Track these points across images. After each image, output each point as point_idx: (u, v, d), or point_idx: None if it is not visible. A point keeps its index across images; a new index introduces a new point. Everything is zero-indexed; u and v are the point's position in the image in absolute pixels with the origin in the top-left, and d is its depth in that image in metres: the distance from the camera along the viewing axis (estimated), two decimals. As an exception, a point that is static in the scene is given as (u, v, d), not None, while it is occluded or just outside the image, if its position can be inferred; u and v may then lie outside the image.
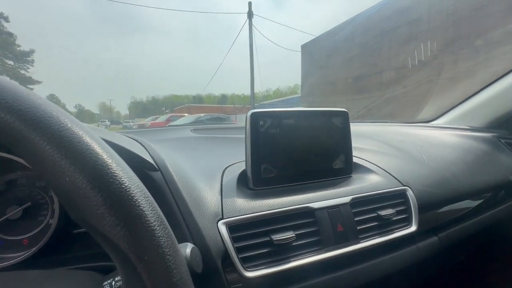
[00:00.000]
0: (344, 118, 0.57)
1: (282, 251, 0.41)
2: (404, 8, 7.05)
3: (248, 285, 0.38)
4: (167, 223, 0.22)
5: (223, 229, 0.38)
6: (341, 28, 9.41)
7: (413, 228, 0.51)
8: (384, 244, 0.48)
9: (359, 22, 8.56)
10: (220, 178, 0.47)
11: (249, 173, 0.48)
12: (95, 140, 0.20)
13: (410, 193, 0.54)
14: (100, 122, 32.69)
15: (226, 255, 0.37)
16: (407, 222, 0.52)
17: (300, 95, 12.69)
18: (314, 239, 0.44)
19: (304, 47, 11.62)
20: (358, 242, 0.46)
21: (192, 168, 0.49)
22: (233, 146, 0.68)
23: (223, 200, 0.42)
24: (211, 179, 0.46)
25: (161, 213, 0.22)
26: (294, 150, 0.51)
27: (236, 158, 0.54)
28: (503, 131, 0.91)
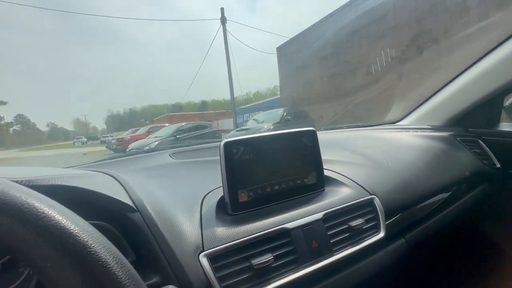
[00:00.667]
0: (312, 137, 0.61)
1: (262, 274, 0.44)
2: (371, 7, 7.39)
3: None
4: (135, 274, 0.24)
5: (204, 262, 0.41)
6: (313, 29, 9.67)
7: (381, 234, 0.56)
8: (357, 253, 0.52)
9: (330, 22, 8.85)
10: (200, 207, 0.50)
11: (227, 199, 0.51)
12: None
13: (377, 201, 0.59)
14: (76, 140, 31.29)
15: (209, 287, 0.39)
16: (376, 229, 0.56)
17: (279, 96, 12.88)
18: (291, 258, 0.47)
19: (280, 49, 11.81)
20: (332, 255, 0.50)
21: (171, 201, 0.50)
22: (212, 170, 0.70)
23: (203, 231, 0.44)
24: (190, 211, 0.48)
25: (128, 265, 0.24)
26: (268, 172, 0.55)
27: (216, 183, 0.57)
28: (460, 128, 0.99)
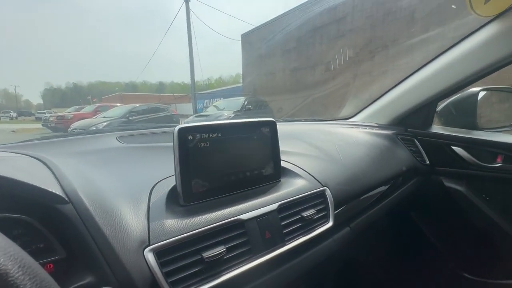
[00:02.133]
0: (272, 128, 0.60)
1: (213, 267, 0.42)
2: (333, 6, 7.69)
3: None
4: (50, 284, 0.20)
5: (150, 257, 0.37)
6: (279, 20, 9.71)
7: (330, 223, 0.59)
8: (307, 242, 0.55)
9: (296, 15, 8.98)
10: (148, 198, 0.45)
11: (179, 189, 0.47)
12: None
13: (328, 193, 0.62)
14: (2, 114, 26.59)
15: (154, 284, 0.37)
16: (325, 219, 0.60)
17: (242, 84, 12.77)
18: (245, 249, 0.46)
19: (244, 36, 11.61)
20: (284, 245, 0.51)
21: (114, 190, 0.45)
22: (165, 157, 0.65)
23: (150, 223, 0.41)
24: (136, 201, 0.44)
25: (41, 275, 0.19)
26: (225, 162, 0.52)
27: (167, 171, 0.53)
28: (401, 127, 1.11)
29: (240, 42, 11.94)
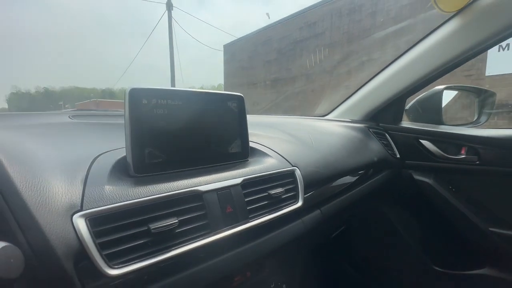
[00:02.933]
0: (239, 103, 0.57)
1: (162, 241, 0.37)
2: (312, 22, 8.05)
3: (115, 284, 0.32)
4: None
5: (80, 223, 0.31)
6: (261, 32, 9.94)
7: (299, 203, 0.56)
8: (274, 221, 0.51)
9: (277, 29, 9.26)
10: (89, 165, 0.39)
11: (129, 158, 0.42)
12: None
13: (298, 173, 0.59)
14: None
15: (82, 255, 0.30)
16: (294, 199, 0.56)
17: (223, 94, 12.73)
18: (201, 223, 0.41)
19: (227, 47, 11.74)
20: (248, 221, 0.47)
21: (50, 157, 0.39)
22: (117, 132, 0.59)
23: (86, 189, 0.35)
24: (73, 167, 0.38)
25: None
26: (185, 133, 0.48)
27: (118, 146, 0.47)
28: (373, 122, 1.13)
29: (222, 52, 12.04)
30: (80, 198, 0.34)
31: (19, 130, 0.50)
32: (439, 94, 1.10)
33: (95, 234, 0.32)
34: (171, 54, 10.59)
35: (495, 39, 0.81)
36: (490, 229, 0.91)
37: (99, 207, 0.34)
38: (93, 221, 0.33)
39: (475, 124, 1.22)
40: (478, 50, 0.85)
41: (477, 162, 0.92)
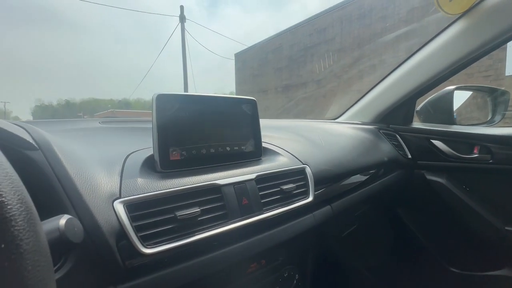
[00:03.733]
0: (252, 106, 0.62)
1: (187, 227, 0.42)
2: (322, 28, 8.10)
3: (148, 261, 0.37)
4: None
5: (119, 208, 0.37)
6: (271, 40, 10.11)
7: (310, 199, 0.59)
8: (285, 214, 0.54)
9: (287, 36, 9.39)
10: (123, 162, 0.45)
11: (156, 156, 0.47)
12: None
13: (308, 170, 0.63)
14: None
15: (122, 234, 0.36)
16: (305, 194, 0.60)
17: (235, 102, 12.93)
18: (220, 213, 0.46)
19: (238, 56, 11.99)
20: (262, 213, 0.51)
21: (89, 153, 0.45)
22: (143, 135, 0.65)
23: (123, 180, 0.41)
24: (110, 163, 0.44)
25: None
26: (204, 134, 0.53)
27: (145, 146, 0.53)
28: (383, 124, 1.14)
29: (233, 61, 12.30)
30: (119, 188, 0.39)
31: (61, 133, 0.57)
32: (450, 94, 1.10)
33: (131, 218, 0.37)
34: (184, 64, 10.93)
35: (502, 39, 0.82)
36: (506, 228, 0.90)
37: (134, 195, 0.39)
38: (130, 207, 0.38)
39: (489, 123, 1.20)
40: (485, 50, 0.86)
41: (491, 161, 0.92)
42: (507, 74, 4.45)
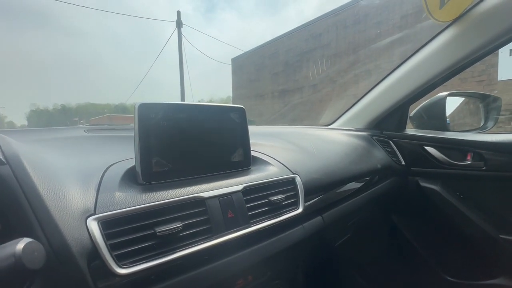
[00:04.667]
0: (240, 114, 0.60)
1: (167, 243, 0.40)
2: (318, 33, 8.18)
3: (124, 282, 0.35)
4: None
5: (93, 226, 0.35)
6: (268, 45, 10.17)
7: (299, 210, 0.57)
8: (274, 226, 0.52)
9: (283, 41, 9.45)
10: (102, 174, 0.43)
11: (137, 168, 0.45)
12: None
13: (298, 180, 0.61)
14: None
15: (94, 254, 0.34)
16: (295, 205, 0.58)
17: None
18: (204, 227, 0.44)
19: (234, 61, 12.03)
20: (248, 226, 0.49)
21: (66, 165, 0.43)
22: (129, 144, 0.63)
23: (99, 195, 0.38)
24: (88, 176, 0.41)
25: None
26: (190, 144, 0.51)
27: (129, 156, 0.51)
28: (376, 130, 1.14)
29: (230, 66, 12.34)
30: (94, 203, 0.37)
31: (39, 143, 0.54)
32: (443, 100, 1.10)
33: (106, 236, 0.35)
34: (180, 69, 10.93)
35: (493, 46, 0.82)
36: (501, 236, 0.89)
37: (110, 211, 0.37)
38: (105, 224, 0.36)
39: (482, 129, 1.20)
40: (477, 57, 0.86)
41: (484, 168, 0.91)
42: (499, 79, 4.52)
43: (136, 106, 0.46)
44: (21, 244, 0.24)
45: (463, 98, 1.22)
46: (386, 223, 1.12)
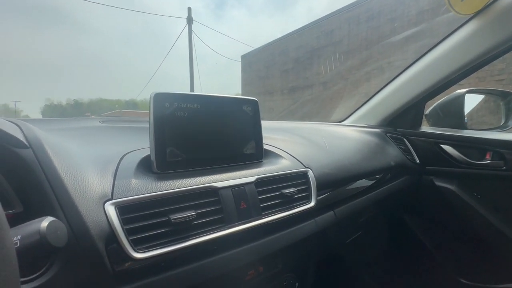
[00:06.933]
0: (254, 106, 0.60)
1: (181, 231, 0.40)
2: (329, 30, 8.06)
3: (139, 267, 0.36)
4: None
5: (110, 210, 0.35)
6: (278, 43, 10.10)
7: (312, 203, 0.57)
8: (286, 219, 0.52)
9: (293, 38, 9.36)
10: (117, 162, 0.44)
11: (152, 157, 0.46)
12: None
13: (311, 174, 0.60)
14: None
15: (112, 238, 0.34)
16: (307, 199, 0.57)
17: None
18: (217, 217, 0.44)
19: (244, 58, 12.01)
20: (261, 218, 0.48)
21: (84, 152, 0.44)
22: (143, 134, 0.64)
23: (116, 181, 0.39)
24: (104, 163, 0.42)
25: None
26: (203, 134, 0.51)
27: (143, 145, 0.51)
28: (390, 128, 1.11)
29: (240, 63, 12.33)
30: (111, 189, 0.38)
31: (57, 132, 0.56)
32: (461, 98, 1.07)
33: (123, 221, 0.36)
34: (190, 66, 11.00)
35: None
36: None
37: (127, 197, 0.37)
38: (122, 209, 0.36)
39: (502, 128, 1.16)
40: (498, 52, 0.82)
41: (504, 168, 0.88)
42: (519, 78, 4.34)
43: (152, 96, 0.47)
44: (45, 222, 0.24)
45: (483, 96, 1.18)
46: (398, 222, 1.10)
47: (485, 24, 0.82)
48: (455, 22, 0.90)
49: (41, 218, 0.25)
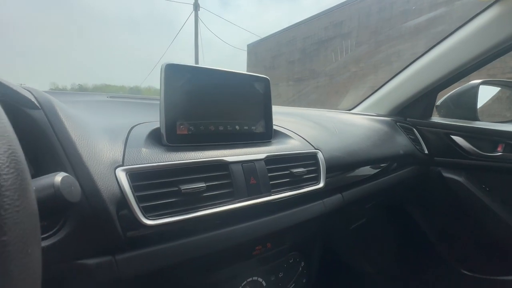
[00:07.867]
0: (265, 84, 0.59)
1: (191, 201, 0.40)
2: (339, 21, 7.87)
3: (149, 233, 0.36)
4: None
5: (121, 176, 0.35)
6: (284, 33, 9.91)
7: (320, 185, 0.56)
8: (295, 198, 0.52)
9: (301, 28, 9.17)
10: (127, 132, 0.43)
11: (162, 130, 0.45)
12: None
13: (320, 156, 0.60)
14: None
15: (123, 203, 0.34)
16: (316, 180, 0.57)
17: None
18: (227, 190, 0.44)
19: (250, 47, 11.83)
20: (270, 195, 0.48)
21: (94, 120, 0.43)
22: (150, 109, 0.63)
23: (127, 149, 0.39)
24: (115, 131, 0.42)
25: None
26: (213, 109, 0.50)
27: (151, 119, 0.51)
28: (400, 117, 1.09)
29: (245, 52, 12.16)
30: (122, 155, 0.37)
31: (68, 103, 0.55)
32: (475, 89, 1.04)
33: (134, 188, 0.35)
34: (196, 53, 10.89)
35: None
36: None
37: (138, 164, 0.37)
38: (133, 176, 0.36)
39: (516, 122, 1.13)
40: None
41: None
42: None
43: (163, 67, 0.45)
44: (59, 177, 0.24)
45: (498, 88, 1.14)
46: (403, 212, 1.09)
47: (507, 11, 0.79)
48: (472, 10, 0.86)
49: (54, 173, 0.25)
